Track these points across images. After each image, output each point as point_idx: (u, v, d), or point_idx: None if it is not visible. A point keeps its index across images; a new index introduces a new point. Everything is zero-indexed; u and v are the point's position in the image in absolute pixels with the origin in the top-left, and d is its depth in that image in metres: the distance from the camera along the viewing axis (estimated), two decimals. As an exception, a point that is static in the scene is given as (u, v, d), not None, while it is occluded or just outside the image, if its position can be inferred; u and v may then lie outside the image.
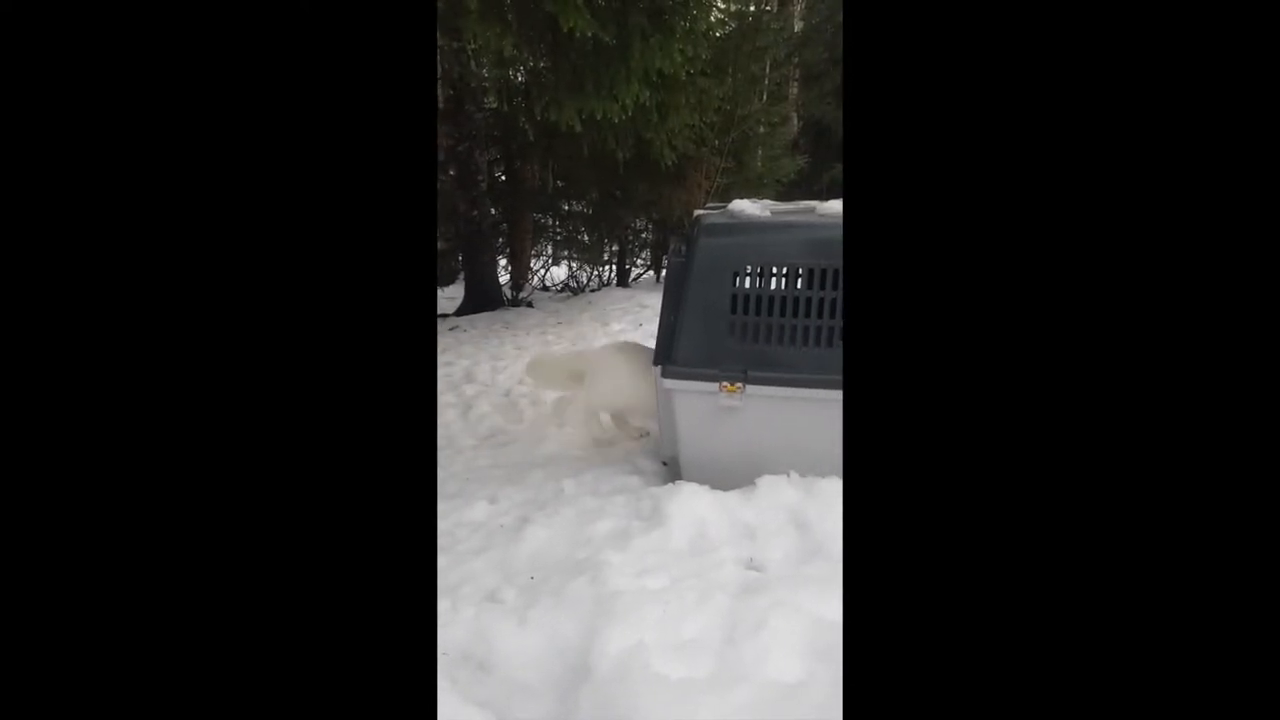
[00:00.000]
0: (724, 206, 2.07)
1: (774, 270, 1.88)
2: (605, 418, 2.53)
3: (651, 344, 2.05)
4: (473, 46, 3.76)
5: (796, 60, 8.03)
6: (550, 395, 3.02)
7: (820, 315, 1.77)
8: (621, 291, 6.67)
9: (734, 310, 1.82)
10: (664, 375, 1.86)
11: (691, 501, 1.73)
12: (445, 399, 3.26)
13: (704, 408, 1.86)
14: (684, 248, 1.94)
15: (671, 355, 1.86)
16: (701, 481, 1.85)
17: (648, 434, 2.48)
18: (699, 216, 2.06)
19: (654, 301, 5.22)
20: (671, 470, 2.06)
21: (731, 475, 1.85)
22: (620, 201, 6.51)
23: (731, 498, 1.76)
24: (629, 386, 2.31)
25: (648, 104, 3.93)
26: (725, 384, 1.82)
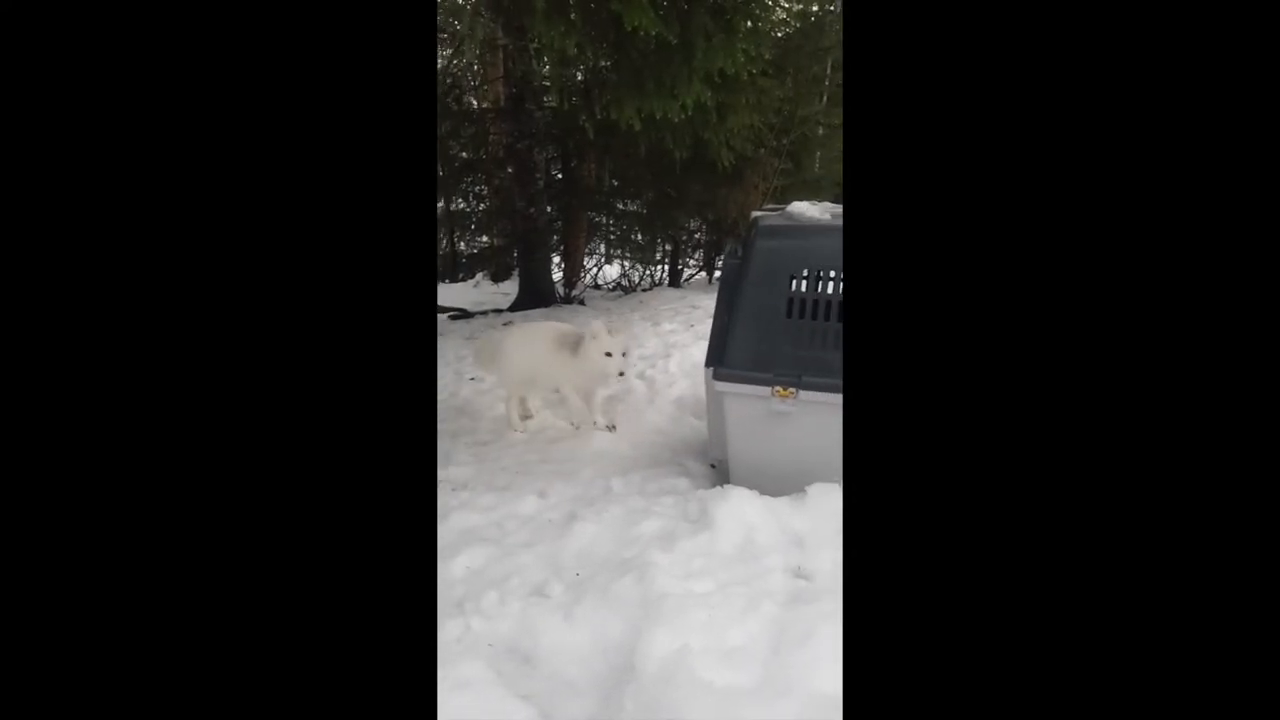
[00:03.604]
0: (783, 208, 2.04)
1: (832, 274, 1.84)
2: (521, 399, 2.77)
3: (702, 346, 2.04)
4: (536, 45, 3.81)
5: (860, 61, 7.86)
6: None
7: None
8: (673, 291, 6.65)
9: (789, 314, 1.79)
10: (716, 377, 1.84)
11: (740, 506, 1.71)
12: (498, 393, 3.30)
13: (756, 411, 1.83)
14: (740, 249, 1.92)
15: (724, 357, 1.84)
16: (750, 486, 1.82)
17: (531, 417, 2.76)
18: (756, 218, 2.03)
19: (705, 302, 5.19)
20: (720, 473, 2.04)
21: (781, 481, 1.82)
22: (675, 201, 6.49)
23: (781, 504, 1.73)
24: (527, 367, 2.60)
25: (708, 104, 3.90)
26: (778, 388, 1.79)
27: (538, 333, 2.71)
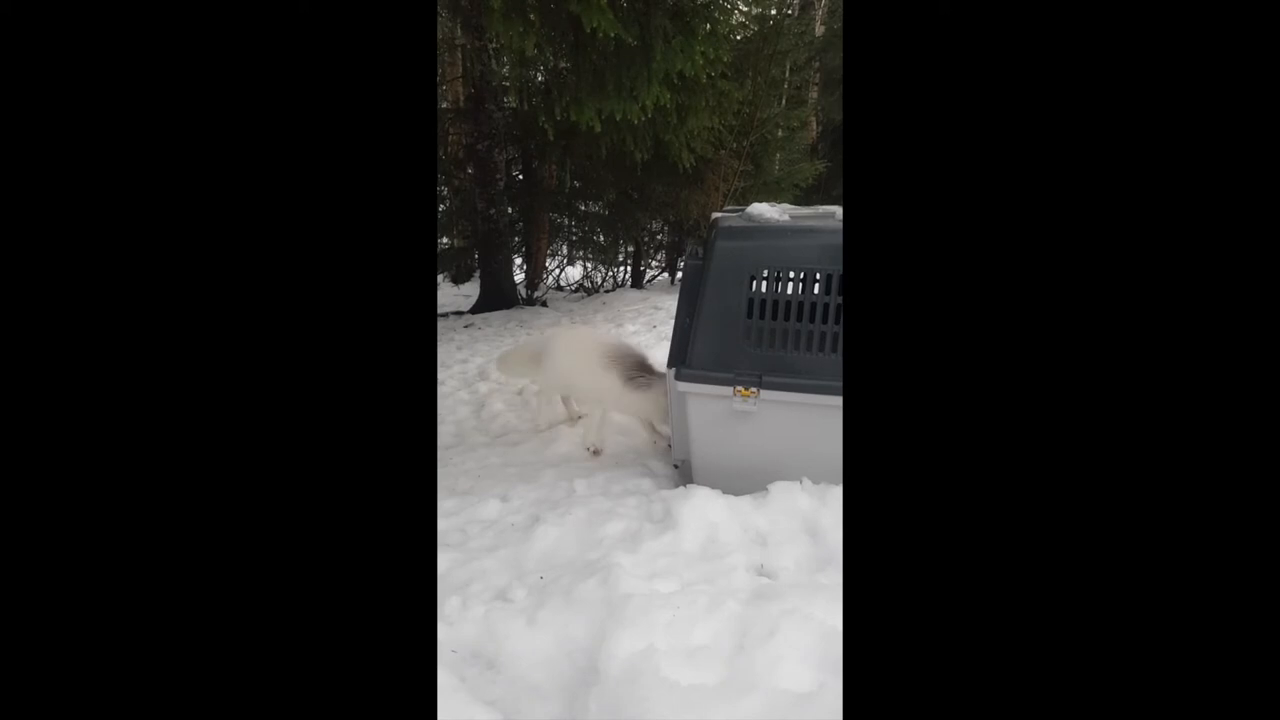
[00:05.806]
0: (742, 209, 2.06)
1: (791, 275, 1.87)
2: (560, 400, 2.70)
3: (664, 347, 2.04)
4: (495, 45, 3.78)
5: (817, 65, 8.00)
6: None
7: (837, 321, 1.76)
8: (636, 293, 6.67)
9: (750, 314, 1.81)
10: (678, 378, 1.85)
11: (703, 506, 1.72)
12: (459, 396, 3.27)
13: (717, 411, 1.85)
14: (701, 250, 1.94)
15: (686, 358, 1.85)
16: (714, 486, 1.84)
17: (580, 417, 2.63)
18: (716, 219, 2.05)
19: (668, 303, 5.22)
20: (684, 473, 2.05)
21: (744, 480, 1.84)
22: (637, 203, 6.51)
23: (744, 503, 1.75)
24: (575, 370, 2.43)
25: (667, 105, 3.93)
26: (739, 388, 1.81)
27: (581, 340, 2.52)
